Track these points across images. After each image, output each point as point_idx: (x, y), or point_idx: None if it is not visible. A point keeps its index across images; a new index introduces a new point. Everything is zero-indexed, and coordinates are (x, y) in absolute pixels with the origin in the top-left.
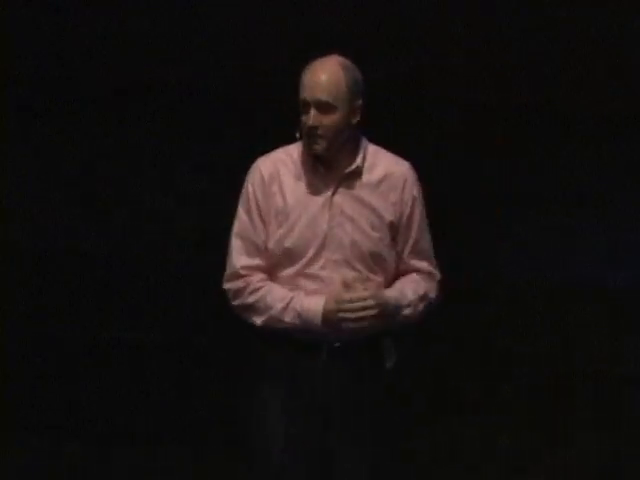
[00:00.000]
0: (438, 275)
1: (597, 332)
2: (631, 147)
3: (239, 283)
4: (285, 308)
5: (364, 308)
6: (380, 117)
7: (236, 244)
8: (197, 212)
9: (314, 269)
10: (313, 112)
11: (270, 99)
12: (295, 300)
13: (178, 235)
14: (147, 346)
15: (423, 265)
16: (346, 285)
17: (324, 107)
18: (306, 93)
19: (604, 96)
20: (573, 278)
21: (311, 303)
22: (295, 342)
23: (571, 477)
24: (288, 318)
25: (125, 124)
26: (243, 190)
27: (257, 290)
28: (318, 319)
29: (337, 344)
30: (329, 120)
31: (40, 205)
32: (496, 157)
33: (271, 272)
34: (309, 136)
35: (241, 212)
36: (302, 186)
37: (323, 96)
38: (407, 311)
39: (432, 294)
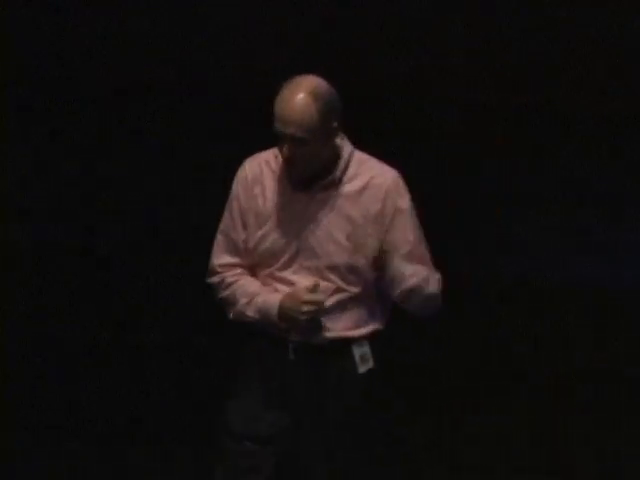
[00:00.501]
0: (438, 276)
1: (597, 332)
2: (631, 147)
3: (215, 279)
4: (248, 303)
5: (316, 310)
6: (381, 117)
7: (218, 240)
8: (197, 212)
9: (286, 273)
10: (287, 145)
11: (270, 99)
12: (259, 297)
13: (178, 235)
14: (147, 346)
15: (417, 268)
16: (311, 289)
17: (298, 140)
18: (278, 126)
19: (604, 96)
20: (573, 278)
21: (271, 298)
22: (266, 337)
23: (571, 477)
24: (250, 312)
25: (125, 124)
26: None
27: (230, 285)
28: (275, 313)
29: (292, 344)
30: (304, 150)
31: (40, 205)
32: (496, 157)
33: (252, 270)
34: (287, 164)
35: (226, 210)
36: (282, 191)
37: (295, 132)
38: (431, 288)
39: (434, 288)
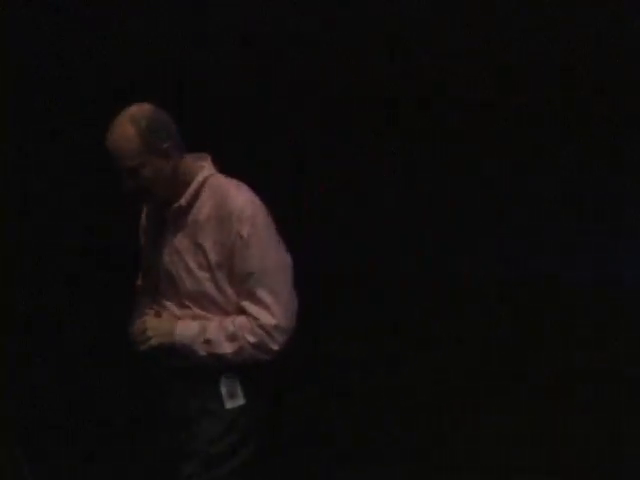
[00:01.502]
0: (266, 321)
1: (597, 332)
2: (631, 147)
3: None
4: (131, 319)
5: (144, 337)
6: (380, 117)
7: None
8: None
9: (163, 300)
10: (124, 176)
11: (271, 99)
12: (135, 316)
13: None
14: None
15: (249, 308)
16: (157, 315)
17: (130, 170)
18: (111, 160)
19: (604, 96)
20: (573, 278)
21: (135, 320)
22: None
23: (571, 477)
24: (129, 328)
25: None
26: None
27: (134, 302)
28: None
29: (165, 368)
30: (141, 178)
31: (40, 205)
32: (496, 157)
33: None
34: (134, 196)
35: None
36: (151, 220)
37: (124, 163)
38: (210, 348)
39: (250, 337)
